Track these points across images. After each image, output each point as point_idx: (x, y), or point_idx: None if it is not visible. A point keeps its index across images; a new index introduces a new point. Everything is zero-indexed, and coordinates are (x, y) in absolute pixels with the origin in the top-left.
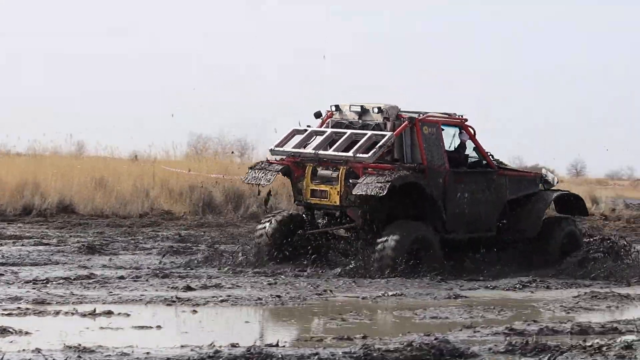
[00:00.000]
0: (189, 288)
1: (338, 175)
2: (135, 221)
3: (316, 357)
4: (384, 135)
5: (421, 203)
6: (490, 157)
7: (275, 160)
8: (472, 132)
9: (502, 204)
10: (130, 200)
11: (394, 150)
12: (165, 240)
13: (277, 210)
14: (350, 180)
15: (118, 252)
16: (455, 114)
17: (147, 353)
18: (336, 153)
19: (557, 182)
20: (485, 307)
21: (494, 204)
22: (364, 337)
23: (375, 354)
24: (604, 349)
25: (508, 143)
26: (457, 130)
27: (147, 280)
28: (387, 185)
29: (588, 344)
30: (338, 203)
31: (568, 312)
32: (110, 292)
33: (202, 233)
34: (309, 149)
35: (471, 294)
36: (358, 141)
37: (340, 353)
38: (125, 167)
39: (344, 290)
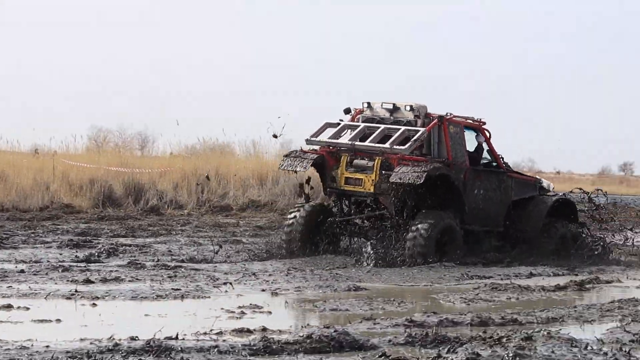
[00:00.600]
0: (88, 281)
1: (373, 164)
2: (35, 215)
3: (216, 349)
4: (417, 131)
5: (446, 195)
6: (502, 159)
7: (309, 150)
8: (488, 135)
9: (509, 203)
10: (31, 193)
11: (424, 145)
12: (66, 234)
13: (301, 202)
14: (384, 171)
15: (18, 245)
16: (474, 117)
17: (47, 346)
18: (373, 144)
19: (552, 189)
20: (385, 299)
21: (502, 202)
22: (264, 330)
23: (274, 346)
24: (504, 340)
25: None
26: (474, 132)
27: (47, 273)
28: (424, 175)
29: (488, 335)
30: (372, 191)
31: (468, 304)
32: (10, 286)
33: (103, 226)
34: (344, 140)
35: (371, 286)
36: (391, 135)
37: (240, 345)
38: (26, 161)
39: (244, 283)
